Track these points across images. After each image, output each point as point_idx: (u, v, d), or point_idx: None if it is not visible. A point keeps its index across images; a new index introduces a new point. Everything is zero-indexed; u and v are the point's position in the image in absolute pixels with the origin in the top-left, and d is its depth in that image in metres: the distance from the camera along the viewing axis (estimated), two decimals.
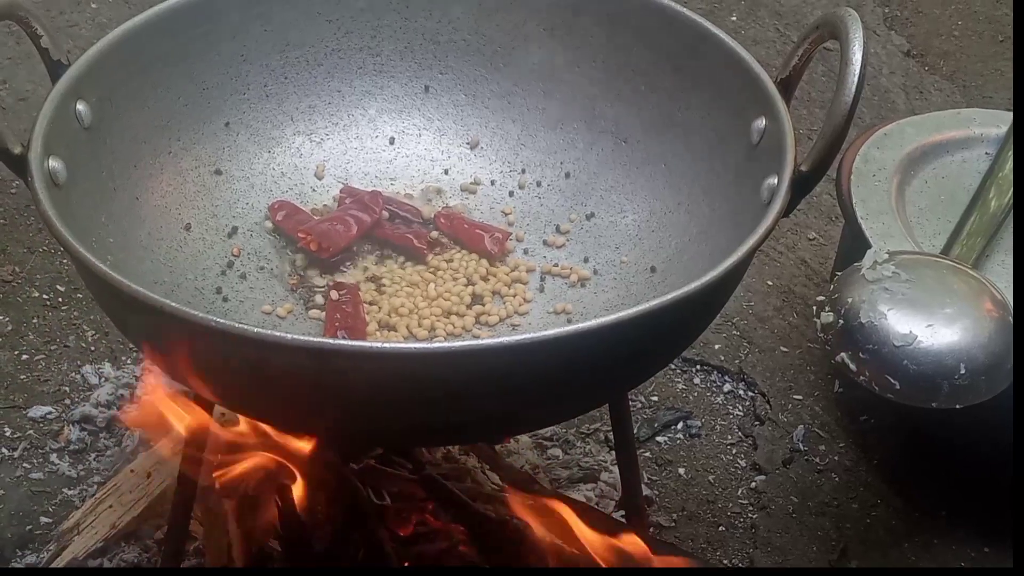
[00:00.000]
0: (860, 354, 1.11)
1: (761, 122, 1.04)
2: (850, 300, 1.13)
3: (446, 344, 0.96)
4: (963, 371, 1.09)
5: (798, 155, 0.99)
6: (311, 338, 0.83)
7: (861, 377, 1.12)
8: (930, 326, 1.10)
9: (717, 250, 1.04)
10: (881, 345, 1.10)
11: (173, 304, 0.84)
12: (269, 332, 0.83)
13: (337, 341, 0.86)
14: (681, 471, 1.42)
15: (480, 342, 0.87)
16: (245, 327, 0.83)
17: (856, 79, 0.94)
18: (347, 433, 1.01)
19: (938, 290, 1.14)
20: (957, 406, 1.11)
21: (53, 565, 1.25)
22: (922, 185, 1.45)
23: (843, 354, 1.12)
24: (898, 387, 1.11)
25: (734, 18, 2.13)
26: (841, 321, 1.12)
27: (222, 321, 0.83)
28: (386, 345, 0.83)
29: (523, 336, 0.84)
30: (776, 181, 0.98)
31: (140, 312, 0.87)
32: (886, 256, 1.15)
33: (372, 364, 0.83)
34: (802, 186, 0.98)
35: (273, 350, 0.83)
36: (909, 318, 1.11)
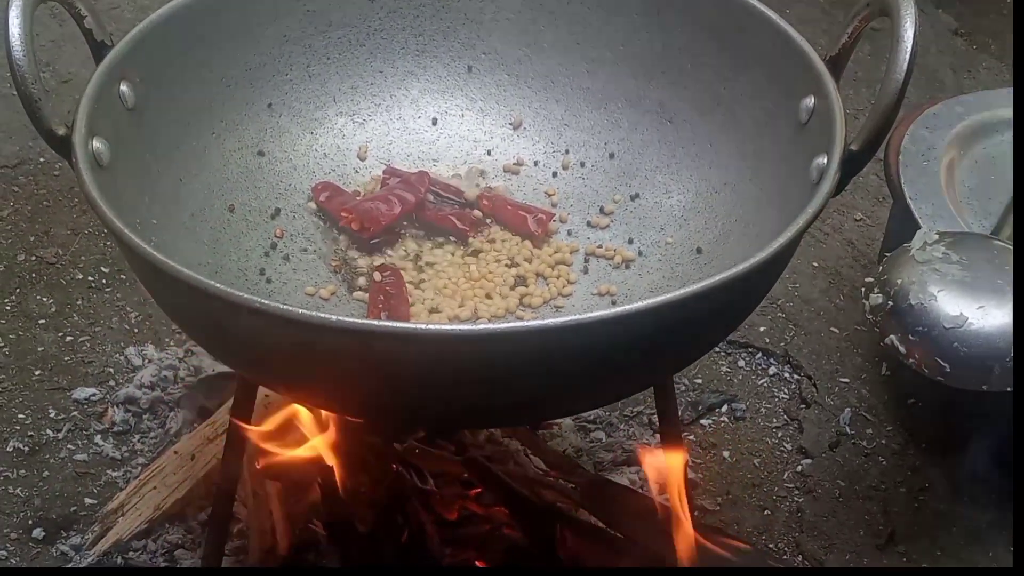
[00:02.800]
0: (910, 336, 1.10)
1: (810, 101, 1.02)
2: (899, 281, 1.11)
3: (489, 326, 0.95)
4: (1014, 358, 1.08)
5: (847, 134, 0.97)
6: (356, 320, 0.83)
7: (911, 360, 1.10)
8: (981, 308, 1.09)
9: (764, 231, 1.03)
10: (931, 327, 1.09)
11: (218, 285, 0.84)
12: (314, 313, 0.82)
13: (381, 323, 0.86)
14: (726, 454, 1.41)
15: (523, 324, 0.86)
16: (290, 308, 0.82)
17: (908, 57, 0.93)
18: (390, 415, 1.01)
19: (989, 271, 1.12)
20: (1008, 389, 1.09)
21: (97, 546, 1.26)
22: (972, 165, 1.43)
23: (892, 336, 1.11)
24: (948, 370, 1.09)
25: None
26: (890, 303, 1.11)
27: (267, 302, 0.82)
28: (430, 327, 0.82)
29: (567, 318, 0.83)
30: (825, 161, 0.97)
31: (184, 293, 0.87)
32: (936, 237, 1.13)
33: (416, 346, 0.83)
34: (852, 166, 0.96)
35: (318, 332, 0.83)
36: (960, 300, 1.09)
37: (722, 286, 0.86)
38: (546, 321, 0.83)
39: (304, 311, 0.82)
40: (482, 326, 0.86)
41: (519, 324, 0.88)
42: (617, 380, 0.95)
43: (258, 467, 1.20)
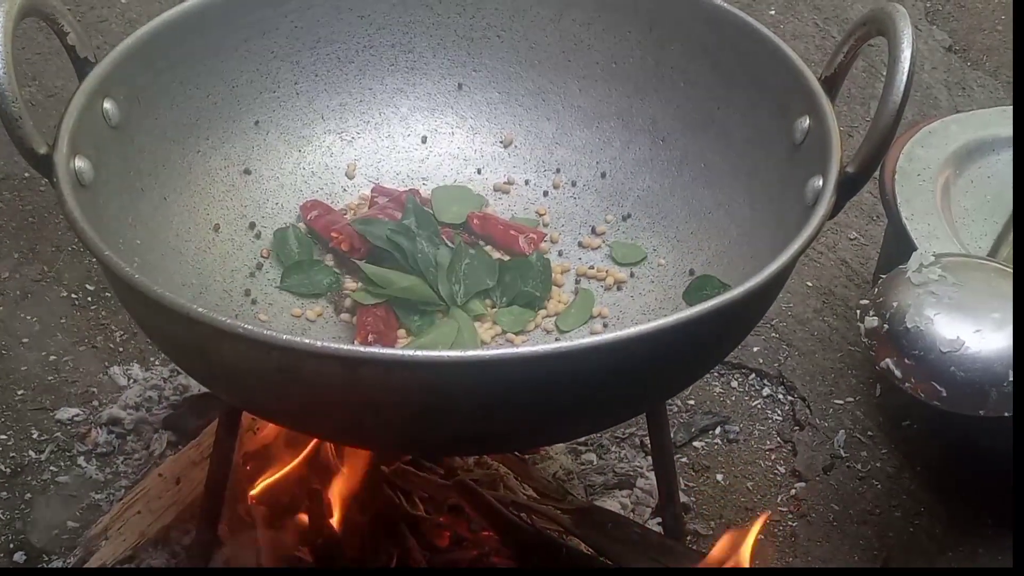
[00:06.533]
0: (906, 360, 1.08)
1: (805, 121, 1.01)
2: (895, 304, 1.10)
3: (479, 353, 0.93)
4: (1012, 377, 1.06)
5: (842, 155, 0.96)
6: (341, 346, 0.81)
7: (907, 384, 1.09)
8: (978, 331, 1.07)
9: (759, 253, 1.02)
10: (927, 351, 1.07)
11: (200, 309, 0.82)
12: (299, 339, 0.80)
13: (367, 349, 0.84)
14: (719, 477, 1.39)
15: (513, 351, 0.85)
16: (274, 334, 0.80)
17: (905, 78, 0.91)
18: (377, 441, 0.99)
19: (986, 294, 1.11)
20: (1006, 414, 1.08)
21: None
22: (968, 184, 1.41)
23: (888, 360, 1.09)
24: (945, 394, 1.07)
25: (772, 12, 2.10)
26: (886, 326, 1.09)
27: (250, 327, 0.81)
28: (418, 353, 0.81)
29: (559, 345, 0.81)
30: (821, 182, 0.95)
31: (165, 316, 0.85)
32: (932, 259, 1.12)
33: (404, 373, 0.81)
34: (848, 188, 0.95)
35: (303, 357, 0.81)
36: (956, 323, 1.08)
37: (716, 311, 0.85)
38: (536, 348, 0.82)
39: (287, 336, 0.80)
40: (471, 353, 0.84)
41: (508, 351, 0.86)
42: (610, 407, 0.93)
43: (243, 491, 1.18)
